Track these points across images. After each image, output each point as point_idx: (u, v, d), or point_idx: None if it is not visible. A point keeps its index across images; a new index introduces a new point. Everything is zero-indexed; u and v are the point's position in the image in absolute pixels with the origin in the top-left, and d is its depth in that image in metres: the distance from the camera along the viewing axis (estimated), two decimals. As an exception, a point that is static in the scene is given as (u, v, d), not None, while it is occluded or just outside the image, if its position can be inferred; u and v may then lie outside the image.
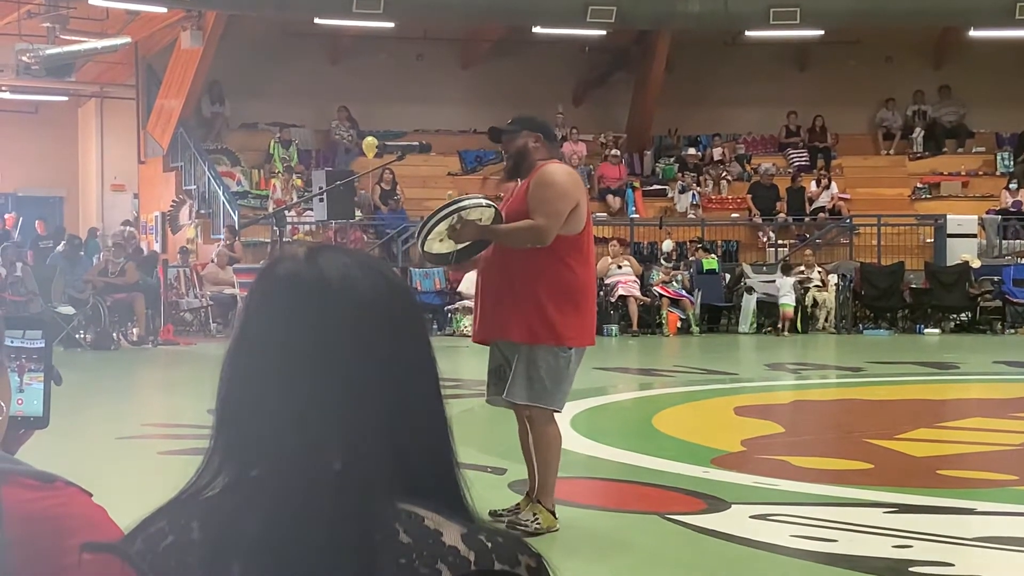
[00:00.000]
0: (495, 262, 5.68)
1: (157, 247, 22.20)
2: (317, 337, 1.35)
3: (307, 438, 1.32)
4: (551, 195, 5.56)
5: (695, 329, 19.06)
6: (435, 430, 1.38)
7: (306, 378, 1.34)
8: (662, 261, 20.09)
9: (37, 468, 1.49)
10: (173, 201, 22.12)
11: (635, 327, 18.67)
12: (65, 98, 25.23)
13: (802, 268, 19.95)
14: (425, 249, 5.74)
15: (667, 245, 20.64)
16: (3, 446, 1.61)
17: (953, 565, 5.21)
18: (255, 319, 1.39)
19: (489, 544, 1.31)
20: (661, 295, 19.10)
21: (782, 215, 22.22)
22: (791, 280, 19.12)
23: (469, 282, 16.23)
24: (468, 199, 5.75)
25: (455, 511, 1.33)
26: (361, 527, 1.29)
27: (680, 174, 23.21)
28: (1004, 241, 21.44)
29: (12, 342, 1.66)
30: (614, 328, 18.55)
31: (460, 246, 5.70)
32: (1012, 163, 23.67)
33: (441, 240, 5.66)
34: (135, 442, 8.73)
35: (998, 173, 23.60)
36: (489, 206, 5.63)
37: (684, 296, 19.22)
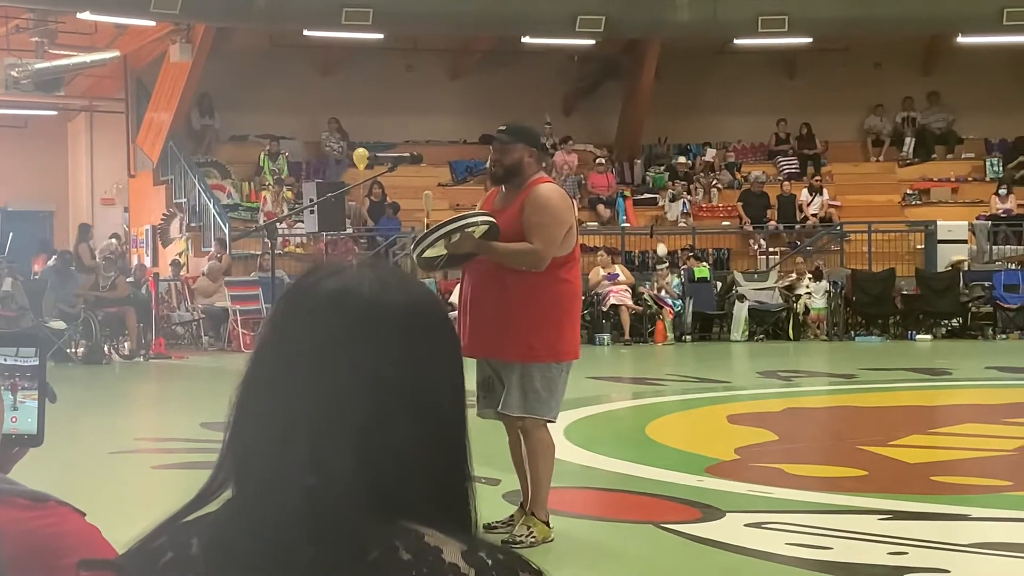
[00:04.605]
0: (489, 276, 5.66)
1: (148, 261, 22.17)
2: (310, 350, 1.34)
3: (294, 453, 1.31)
4: (548, 220, 5.60)
5: (686, 338, 19.10)
6: (438, 447, 1.37)
7: (295, 391, 1.33)
8: (656, 267, 20.10)
9: (30, 488, 1.48)
10: (164, 214, 22.10)
11: (627, 336, 18.68)
12: (54, 112, 25.20)
13: (793, 275, 20.00)
14: (417, 255, 5.76)
15: (661, 249, 20.66)
16: (-3, 464, 1.60)
17: (948, 572, 5.21)
18: (261, 336, 1.40)
19: (489, 561, 1.30)
20: (655, 304, 19.09)
21: (773, 223, 22.25)
22: (824, 285, 19.28)
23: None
24: (472, 216, 5.73)
25: (459, 529, 1.32)
26: (356, 544, 1.28)
27: (670, 183, 23.23)
28: (994, 247, 21.48)
29: (6, 360, 1.66)
30: (606, 337, 18.56)
31: (449, 253, 5.70)
32: (1001, 168, 23.73)
33: (432, 245, 5.65)
34: (128, 456, 8.72)
35: (988, 179, 23.67)
36: (487, 221, 5.62)
37: (666, 304, 19.19)
